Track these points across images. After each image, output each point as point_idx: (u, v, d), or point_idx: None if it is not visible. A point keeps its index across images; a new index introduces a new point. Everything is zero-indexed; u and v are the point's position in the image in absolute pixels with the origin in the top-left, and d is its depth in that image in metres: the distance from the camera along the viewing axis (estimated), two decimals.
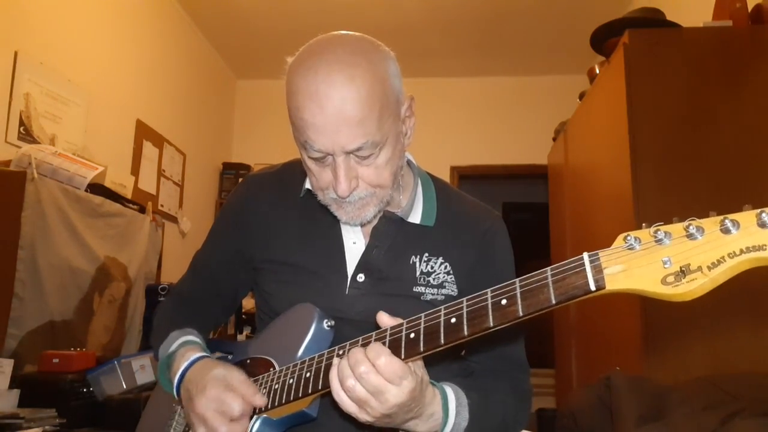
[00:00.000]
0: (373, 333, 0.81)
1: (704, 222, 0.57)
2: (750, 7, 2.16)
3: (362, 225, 1.00)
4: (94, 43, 3.14)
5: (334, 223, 1.03)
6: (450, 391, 0.87)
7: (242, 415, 0.89)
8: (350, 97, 0.84)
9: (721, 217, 0.56)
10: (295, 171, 1.10)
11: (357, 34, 0.93)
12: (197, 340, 1.05)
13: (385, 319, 0.80)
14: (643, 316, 1.90)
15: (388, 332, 0.78)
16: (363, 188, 0.92)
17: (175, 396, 0.99)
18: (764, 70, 2.01)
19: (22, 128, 2.55)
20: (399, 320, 0.79)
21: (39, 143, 2.58)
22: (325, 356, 0.86)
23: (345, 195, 0.90)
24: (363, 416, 0.77)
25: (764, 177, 1.94)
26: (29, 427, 1.71)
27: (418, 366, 0.78)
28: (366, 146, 0.87)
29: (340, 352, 0.84)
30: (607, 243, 0.63)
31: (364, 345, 0.79)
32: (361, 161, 0.90)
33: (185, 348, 1.01)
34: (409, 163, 1.08)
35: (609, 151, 2.27)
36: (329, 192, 0.93)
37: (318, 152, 0.88)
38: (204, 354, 1.01)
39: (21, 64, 2.55)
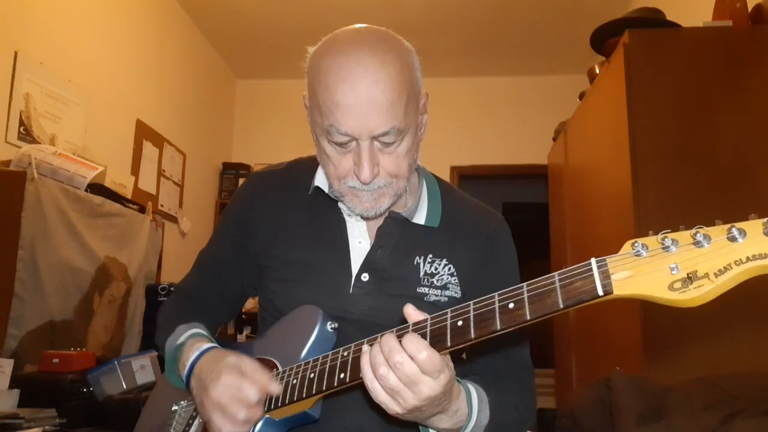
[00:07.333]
0: (378, 335, 0.80)
1: (711, 230, 0.58)
2: (750, 7, 2.16)
3: (373, 218, 0.99)
4: (94, 43, 3.13)
5: (340, 222, 1.04)
6: (472, 387, 0.87)
7: (258, 401, 0.89)
8: (382, 81, 0.85)
9: (728, 226, 0.56)
10: (301, 169, 1.10)
11: (380, 27, 0.95)
12: (205, 333, 1.05)
13: (411, 311, 0.78)
14: (643, 316, 1.90)
15: (394, 333, 0.78)
16: (383, 177, 0.92)
17: (185, 386, 0.98)
18: (764, 70, 2.01)
19: (22, 128, 2.55)
20: (425, 314, 0.77)
21: (39, 143, 2.58)
22: (329, 357, 0.86)
23: (368, 181, 0.90)
24: (394, 407, 0.75)
25: (764, 176, 1.94)
26: (29, 427, 1.71)
27: (449, 360, 0.77)
28: (392, 132, 0.88)
29: (345, 353, 0.84)
30: (608, 243, 0.64)
31: (370, 344, 0.79)
32: (384, 149, 0.90)
33: (194, 339, 1.01)
34: None
35: (609, 151, 2.27)
36: (347, 180, 0.93)
37: (344, 136, 0.88)
38: (214, 345, 1.00)
39: (21, 64, 2.54)
